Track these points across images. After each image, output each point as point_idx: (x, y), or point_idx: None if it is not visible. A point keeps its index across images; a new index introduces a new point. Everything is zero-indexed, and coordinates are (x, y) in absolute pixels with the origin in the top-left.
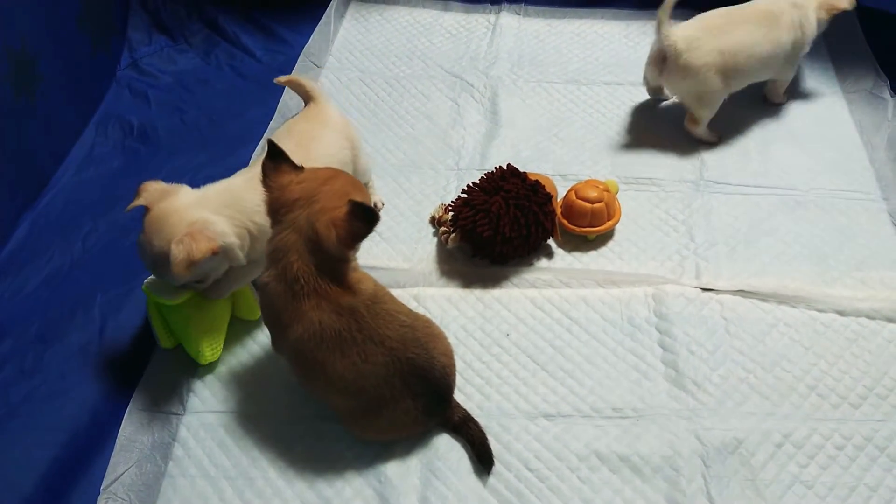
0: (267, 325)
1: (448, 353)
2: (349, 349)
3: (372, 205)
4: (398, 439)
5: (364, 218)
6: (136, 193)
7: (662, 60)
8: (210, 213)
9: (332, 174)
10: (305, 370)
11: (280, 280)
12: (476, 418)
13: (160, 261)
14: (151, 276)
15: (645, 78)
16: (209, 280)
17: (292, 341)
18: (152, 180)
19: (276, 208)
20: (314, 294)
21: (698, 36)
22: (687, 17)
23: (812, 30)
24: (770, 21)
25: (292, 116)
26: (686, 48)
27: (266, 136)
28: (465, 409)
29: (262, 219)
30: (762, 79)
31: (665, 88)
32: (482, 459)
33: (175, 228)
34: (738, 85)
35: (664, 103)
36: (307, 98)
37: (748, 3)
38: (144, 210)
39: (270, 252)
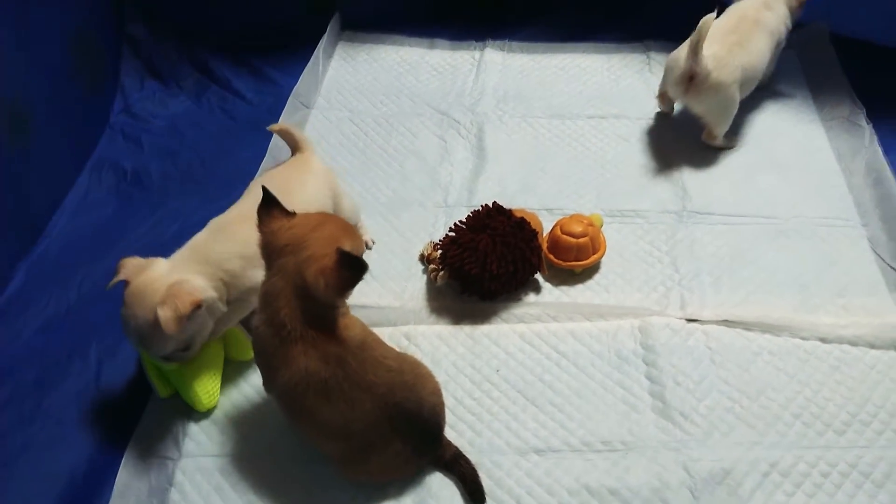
0: (258, 366)
1: (436, 393)
2: (336, 397)
3: (363, 249)
4: (391, 481)
5: (352, 267)
6: (114, 270)
7: (689, 79)
8: (184, 274)
9: (323, 220)
10: (294, 414)
11: (269, 325)
12: (468, 455)
13: (146, 331)
14: None
15: (663, 95)
16: (195, 346)
17: (281, 386)
18: (130, 256)
19: (268, 253)
20: (301, 340)
21: (723, 55)
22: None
23: (788, 24)
24: (762, 28)
25: (278, 164)
26: (715, 66)
27: (256, 177)
28: (455, 447)
29: (233, 265)
30: None
31: (688, 105)
32: (474, 497)
33: (155, 296)
34: (745, 94)
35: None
36: (295, 147)
37: (733, 13)
38: (125, 284)
39: (262, 296)
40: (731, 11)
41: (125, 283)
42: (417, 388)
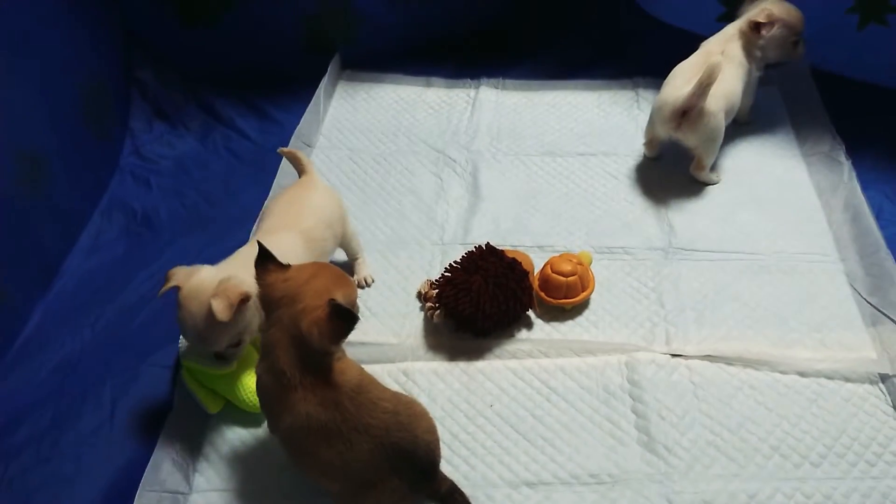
0: (262, 410)
1: (431, 430)
2: (335, 439)
3: (355, 297)
4: None
5: (343, 318)
6: (165, 279)
7: (682, 115)
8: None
9: (315, 271)
10: (296, 456)
11: (270, 372)
12: (462, 488)
13: (202, 326)
14: (189, 350)
15: (651, 140)
16: (244, 343)
17: (283, 430)
18: (177, 266)
19: (266, 304)
20: (301, 387)
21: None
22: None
23: (756, 53)
24: (729, 59)
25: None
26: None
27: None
28: (451, 481)
29: None
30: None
31: (680, 139)
32: None
33: (208, 292)
34: (727, 122)
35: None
36: (301, 170)
37: (700, 52)
38: (177, 289)
39: (262, 345)
40: (698, 51)
41: (177, 289)
42: (413, 427)
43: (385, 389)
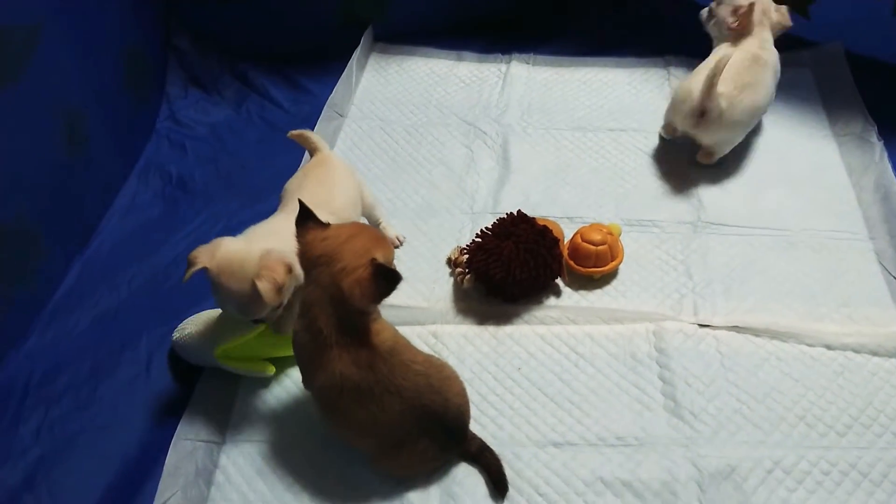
0: (298, 366)
1: (462, 394)
2: (367, 400)
3: (394, 258)
4: (419, 474)
5: (387, 278)
6: (188, 264)
7: (701, 115)
8: (262, 245)
9: (356, 231)
10: (328, 414)
11: (307, 331)
12: (490, 447)
13: (245, 301)
14: (221, 355)
15: (671, 125)
16: (285, 302)
17: (316, 387)
18: (196, 248)
19: (305, 263)
20: (336, 346)
21: (736, 94)
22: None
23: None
24: (767, 68)
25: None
26: (728, 106)
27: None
28: (481, 440)
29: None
30: None
31: (697, 136)
32: (497, 486)
33: (245, 266)
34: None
35: (665, 145)
36: (312, 149)
37: (745, 52)
38: (206, 270)
39: (301, 304)
40: (742, 49)
41: (206, 270)
42: (443, 391)
43: (418, 352)
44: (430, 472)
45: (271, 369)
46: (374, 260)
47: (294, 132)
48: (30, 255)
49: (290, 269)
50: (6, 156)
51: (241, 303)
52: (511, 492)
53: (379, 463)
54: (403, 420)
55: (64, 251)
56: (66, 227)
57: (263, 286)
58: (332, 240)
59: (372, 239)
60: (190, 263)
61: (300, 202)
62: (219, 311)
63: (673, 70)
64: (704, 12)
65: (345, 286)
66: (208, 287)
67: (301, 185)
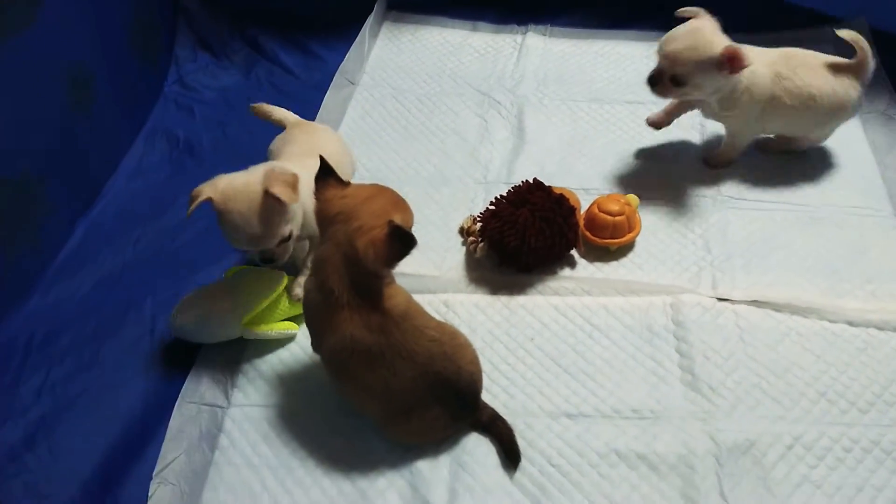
0: (308, 328)
1: (474, 361)
2: (378, 364)
3: (412, 223)
4: (429, 442)
5: (402, 240)
6: (190, 199)
7: None
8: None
9: (375, 192)
10: (338, 376)
11: (319, 290)
12: (502, 416)
13: (257, 221)
14: (249, 322)
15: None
16: (293, 237)
17: (326, 349)
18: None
19: (321, 220)
20: (348, 307)
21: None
22: None
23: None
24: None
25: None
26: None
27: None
28: (492, 409)
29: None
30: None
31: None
32: (510, 455)
33: (250, 186)
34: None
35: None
36: (281, 122)
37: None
38: (210, 201)
39: (314, 261)
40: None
41: (210, 201)
42: (456, 358)
43: (431, 318)
44: (439, 440)
45: (295, 327)
46: (391, 221)
47: (255, 105)
48: (34, 214)
49: (297, 176)
50: (11, 110)
51: (253, 224)
52: (523, 462)
53: (387, 429)
54: (415, 386)
55: (69, 211)
56: (71, 187)
57: (279, 189)
58: (350, 198)
59: (392, 201)
60: (193, 198)
61: (321, 158)
62: (217, 285)
63: None
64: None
65: (359, 246)
66: (214, 252)
67: (292, 137)
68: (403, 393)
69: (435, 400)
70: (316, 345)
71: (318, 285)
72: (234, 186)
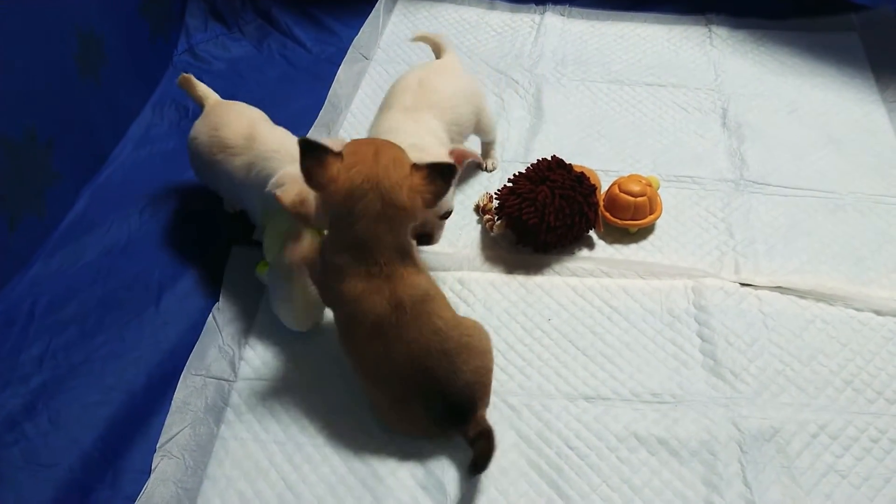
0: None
1: (479, 372)
2: (379, 338)
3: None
4: (413, 436)
5: (443, 175)
6: (273, 185)
7: None
8: None
9: (376, 147)
10: (344, 333)
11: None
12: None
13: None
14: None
15: None
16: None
17: (344, 305)
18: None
19: (339, 201)
20: (383, 277)
21: None
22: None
23: None
24: None
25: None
26: None
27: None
28: (487, 427)
29: None
30: None
31: None
32: (475, 466)
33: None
34: None
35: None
36: (199, 100)
37: None
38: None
39: (350, 243)
40: None
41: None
42: (456, 360)
43: (449, 309)
44: (429, 437)
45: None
46: (415, 165)
47: (184, 75)
48: (38, 178)
49: None
50: (16, 68)
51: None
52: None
53: (375, 412)
54: (402, 374)
55: (74, 177)
56: (77, 151)
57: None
58: (361, 165)
59: (390, 146)
60: (276, 186)
61: (301, 141)
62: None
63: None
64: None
65: (405, 199)
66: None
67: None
68: (390, 376)
69: (420, 397)
70: (332, 301)
71: (355, 258)
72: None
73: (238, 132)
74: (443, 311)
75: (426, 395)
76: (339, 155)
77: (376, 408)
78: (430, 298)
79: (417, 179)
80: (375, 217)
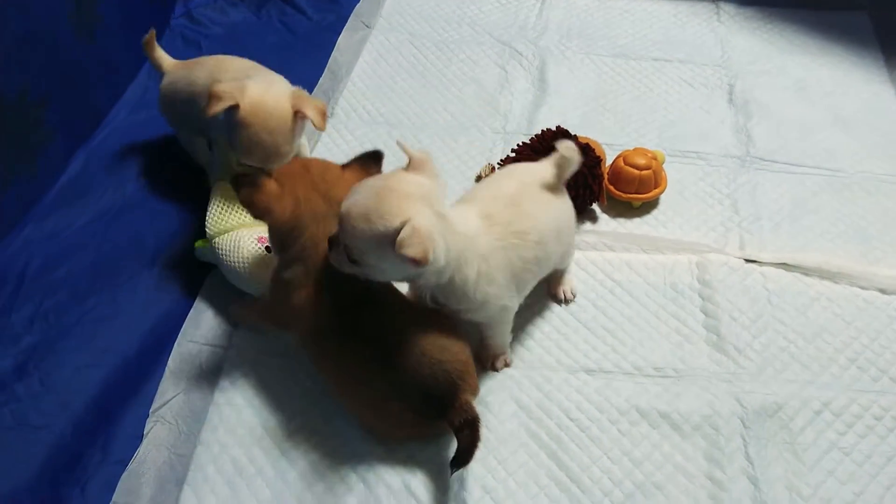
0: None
1: (454, 361)
2: (339, 342)
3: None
4: (405, 442)
5: (375, 158)
6: (213, 98)
7: None
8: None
9: (302, 162)
10: (312, 355)
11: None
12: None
13: (281, 140)
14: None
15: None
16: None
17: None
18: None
19: (287, 215)
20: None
21: None
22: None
23: None
24: None
25: None
26: None
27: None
28: (474, 415)
29: None
30: None
31: None
32: (458, 459)
33: (281, 107)
34: None
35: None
36: (157, 64)
37: None
38: (234, 111)
39: (299, 254)
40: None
41: (235, 108)
42: (424, 346)
43: (402, 296)
44: (421, 437)
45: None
46: (344, 165)
47: (149, 37)
48: (31, 137)
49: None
50: (11, 23)
51: (277, 143)
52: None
53: (364, 427)
54: (372, 372)
55: (69, 139)
56: (71, 112)
57: (311, 113)
58: (297, 177)
59: (315, 159)
60: (216, 96)
61: (233, 177)
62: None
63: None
64: None
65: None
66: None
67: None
68: (363, 380)
69: (395, 392)
70: (286, 322)
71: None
72: (265, 102)
73: (206, 67)
74: (398, 299)
75: (401, 387)
76: (271, 177)
77: (363, 422)
78: (385, 289)
79: (351, 173)
80: (322, 218)
